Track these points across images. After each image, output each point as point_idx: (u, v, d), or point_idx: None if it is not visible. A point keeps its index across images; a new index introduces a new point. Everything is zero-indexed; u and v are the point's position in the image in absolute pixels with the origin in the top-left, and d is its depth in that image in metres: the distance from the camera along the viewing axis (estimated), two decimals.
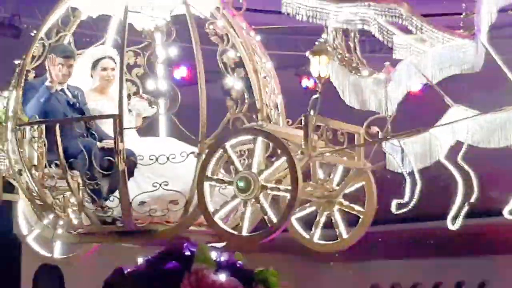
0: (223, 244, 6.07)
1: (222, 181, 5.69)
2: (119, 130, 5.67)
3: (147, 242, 6.12)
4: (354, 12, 5.73)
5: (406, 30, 5.80)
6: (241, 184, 5.47)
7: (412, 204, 5.96)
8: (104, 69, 6.72)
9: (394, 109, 5.90)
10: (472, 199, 5.81)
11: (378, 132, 5.91)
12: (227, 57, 6.06)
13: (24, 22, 12.51)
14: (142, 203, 5.87)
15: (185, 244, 4.80)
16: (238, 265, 4.73)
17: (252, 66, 6.17)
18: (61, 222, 6.10)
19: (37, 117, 6.11)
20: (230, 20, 6.22)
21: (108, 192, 6.04)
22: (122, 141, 5.65)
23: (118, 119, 5.68)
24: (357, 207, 6.28)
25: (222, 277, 4.33)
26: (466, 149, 5.71)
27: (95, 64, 6.70)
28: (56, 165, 5.99)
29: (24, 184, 6.17)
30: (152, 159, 5.82)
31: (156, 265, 4.61)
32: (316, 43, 5.65)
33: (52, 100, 6.27)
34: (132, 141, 6.13)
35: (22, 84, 6.27)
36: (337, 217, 6.26)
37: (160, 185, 5.82)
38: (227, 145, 5.64)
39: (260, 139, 5.56)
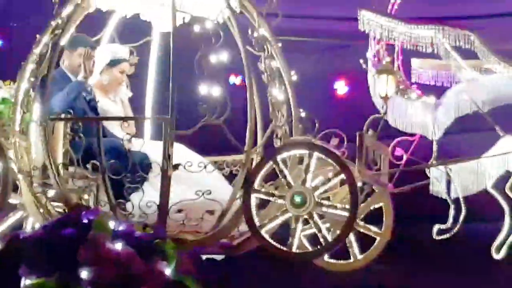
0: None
1: (272, 195, 5.48)
2: (169, 134, 5.33)
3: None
4: (425, 35, 5.72)
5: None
6: (298, 199, 5.29)
7: (454, 230, 5.93)
8: (122, 71, 6.43)
9: (441, 134, 5.88)
10: None
11: (402, 155, 5.89)
12: (269, 66, 5.87)
13: None
14: (179, 211, 5.55)
15: (83, 212, 4.60)
16: (136, 236, 4.59)
17: (288, 77, 5.99)
18: None
19: (71, 112, 5.71)
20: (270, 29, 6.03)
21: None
22: (172, 145, 5.32)
23: (169, 123, 5.34)
24: (373, 228, 6.17)
25: (118, 246, 4.24)
26: None
27: (114, 63, 6.36)
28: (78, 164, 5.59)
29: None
30: (200, 167, 5.52)
31: (53, 231, 4.47)
32: (384, 62, 5.60)
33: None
34: (143, 144, 5.86)
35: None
36: (352, 237, 6.12)
37: (203, 194, 5.51)
38: (278, 158, 5.44)
39: (316, 155, 5.37)
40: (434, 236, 6.07)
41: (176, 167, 5.39)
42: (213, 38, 5.62)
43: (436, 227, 6.05)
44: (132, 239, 4.55)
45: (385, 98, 5.44)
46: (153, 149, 5.81)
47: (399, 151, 6.07)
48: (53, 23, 5.93)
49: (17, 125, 5.89)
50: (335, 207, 5.39)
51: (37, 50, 5.92)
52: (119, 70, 6.43)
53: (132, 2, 6.15)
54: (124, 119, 5.56)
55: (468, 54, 5.89)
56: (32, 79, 5.80)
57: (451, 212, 5.95)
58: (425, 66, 6.11)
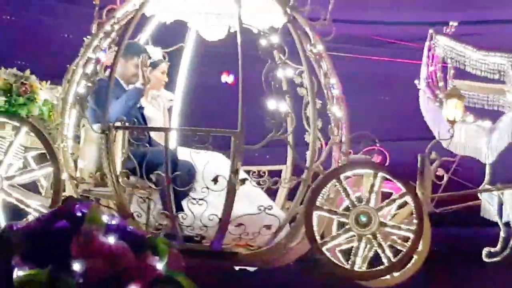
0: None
1: (334, 213, 5.50)
2: (237, 148, 5.31)
3: (230, 264, 5.93)
4: (496, 62, 5.82)
5: None
6: (364, 219, 5.33)
7: (505, 253, 6.03)
8: (163, 72, 6.43)
9: (494, 158, 5.98)
10: None
11: (443, 175, 5.97)
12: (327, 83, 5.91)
13: None
14: (239, 224, 5.53)
15: (76, 205, 4.50)
16: (128, 230, 4.50)
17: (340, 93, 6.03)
18: None
19: (135, 121, 5.72)
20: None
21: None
22: (240, 160, 5.30)
23: (239, 137, 5.31)
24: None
25: (111, 239, 4.26)
26: None
27: (155, 65, 6.34)
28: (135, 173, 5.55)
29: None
30: (264, 183, 5.51)
31: (47, 223, 4.38)
32: (451, 86, 5.69)
33: None
34: (186, 153, 5.83)
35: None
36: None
37: (266, 209, 5.51)
38: (342, 176, 5.46)
39: (381, 175, 5.42)
40: (484, 258, 6.14)
41: (243, 181, 5.38)
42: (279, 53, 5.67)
43: (485, 250, 6.12)
44: (124, 233, 4.45)
45: (453, 122, 5.51)
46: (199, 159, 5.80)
47: (440, 171, 6.12)
48: (108, 27, 5.89)
49: (65, 130, 5.83)
50: (399, 228, 5.43)
51: (90, 54, 5.86)
52: (160, 71, 6.41)
53: (183, 10, 6.13)
54: (193, 130, 5.45)
55: None
56: (90, 84, 5.72)
57: (501, 235, 6.03)
58: (472, 89, 6.20)
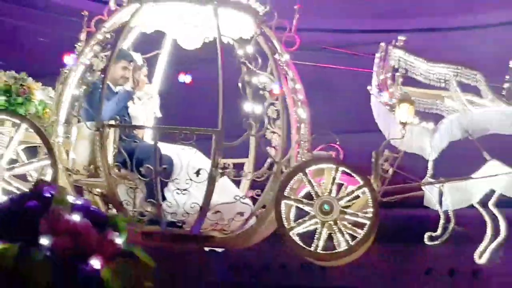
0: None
1: (300, 202, 6.30)
2: (218, 145, 6.08)
3: (206, 246, 6.82)
4: (442, 72, 6.65)
5: None
6: (327, 207, 6.13)
7: (444, 238, 6.87)
8: (145, 75, 7.29)
9: (436, 155, 6.80)
10: (500, 240, 6.83)
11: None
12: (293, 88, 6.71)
13: None
14: (216, 212, 6.30)
15: (45, 187, 5.02)
16: (92, 209, 5.05)
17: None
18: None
19: (125, 119, 6.60)
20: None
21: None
22: (221, 155, 6.08)
23: (220, 135, 6.08)
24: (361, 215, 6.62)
25: (76, 217, 4.76)
26: (497, 197, 6.72)
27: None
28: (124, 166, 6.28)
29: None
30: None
31: (18, 203, 4.85)
32: (403, 92, 6.49)
33: None
34: (168, 148, 6.54)
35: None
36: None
37: (241, 198, 6.32)
38: (307, 170, 6.27)
39: (341, 169, 6.25)
40: (426, 242, 6.98)
41: (222, 174, 6.16)
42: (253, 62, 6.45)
43: (427, 234, 6.96)
44: (88, 213, 4.91)
45: (405, 124, 6.31)
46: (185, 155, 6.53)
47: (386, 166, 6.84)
48: (99, 36, 6.57)
49: (59, 127, 6.52)
50: (357, 215, 6.26)
51: (83, 60, 6.54)
52: (143, 74, 7.18)
53: (163, 23, 6.87)
54: (179, 129, 6.17)
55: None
56: (85, 87, 6.42)
57: (441, 222, 6.88)
58: (414, 94, 6.96)
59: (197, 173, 6.19)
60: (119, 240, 4.84)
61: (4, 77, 6.58)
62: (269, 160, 6.43)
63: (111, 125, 6.26)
